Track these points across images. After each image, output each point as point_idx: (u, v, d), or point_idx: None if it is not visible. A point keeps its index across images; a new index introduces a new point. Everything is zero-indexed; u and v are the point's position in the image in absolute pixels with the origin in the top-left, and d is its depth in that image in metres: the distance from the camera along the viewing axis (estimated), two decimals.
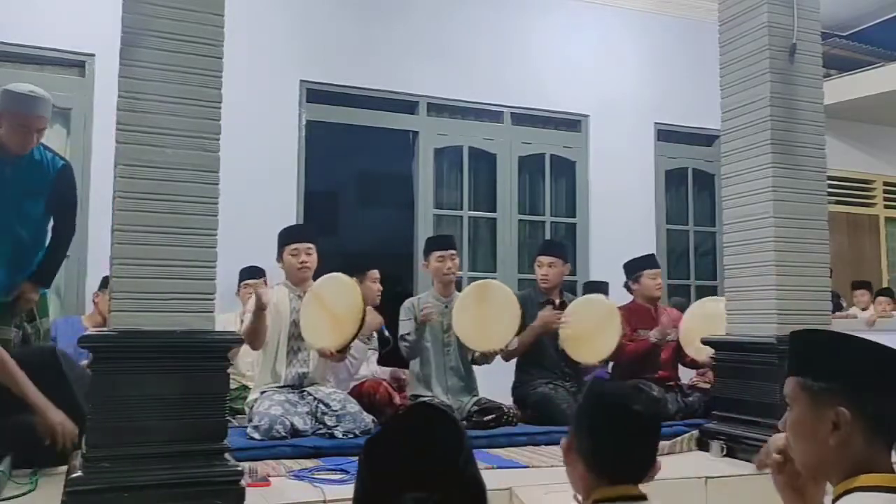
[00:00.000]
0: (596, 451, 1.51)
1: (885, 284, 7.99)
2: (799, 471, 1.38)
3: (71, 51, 5.20)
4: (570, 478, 1.56)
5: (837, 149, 6.80)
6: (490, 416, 4.07)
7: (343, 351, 3.91)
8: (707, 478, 3.27)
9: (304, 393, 3.89)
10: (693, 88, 6.36)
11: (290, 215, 5.48)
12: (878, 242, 8.47)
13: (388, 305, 4.81)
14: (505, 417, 4.08)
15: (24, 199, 3.40)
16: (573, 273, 6.00)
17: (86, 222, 4.88)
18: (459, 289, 4.56)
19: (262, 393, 3.86)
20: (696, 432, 3.89)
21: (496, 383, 4.52)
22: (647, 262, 4.97)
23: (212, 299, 2.76)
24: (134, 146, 2.70)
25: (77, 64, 5.26)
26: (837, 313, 6.35)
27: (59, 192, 3.49)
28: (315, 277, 4.08)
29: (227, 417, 2.84)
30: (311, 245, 4.04)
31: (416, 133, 6.24)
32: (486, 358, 4.31)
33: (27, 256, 3.45)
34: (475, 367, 4.41)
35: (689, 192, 7.12)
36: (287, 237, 4.07)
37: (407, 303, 4.37)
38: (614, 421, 1.52)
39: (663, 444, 3.74)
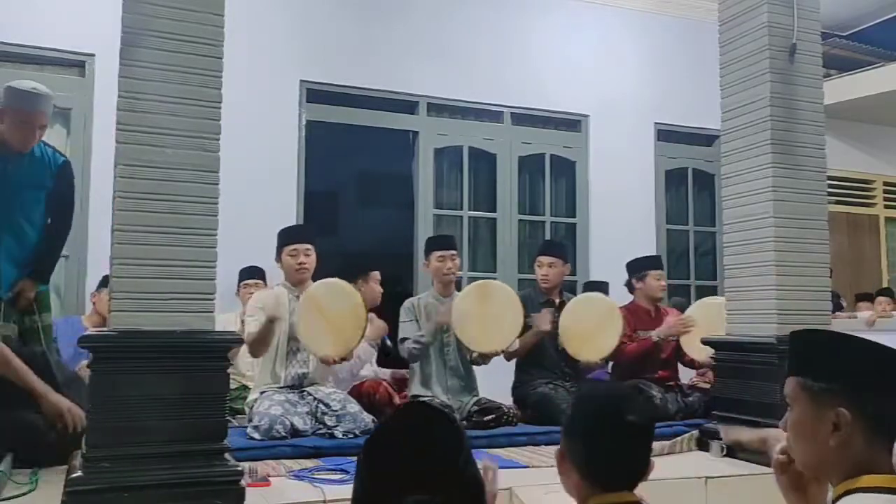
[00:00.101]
0: (589, 459, 1.50)
1: (885, 284, 7.98)
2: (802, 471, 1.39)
3: (71, 51, 5.20)
4: (566, 486, 1.55)
5: (837, 149, 6.80)
6: (490, 416, 4.06)
7: (346, 358, 3.92)
8: (707, 478, 3.27)
9: (304, 393, 3.89)
10: (693, 88, 6.36)
11: (290, 215, 5.48)
12: (878, 242, 8.46)
13: (388, 305, 4.81)
14: (505, 417, 4.08)
15: (28, 195, 3.43)
16: (573, 273, 6.00)
17: (86, 222, 4.88)
18: (459, 289, 4.56)
19: (262, 393, 3.86)
20: (696, 432, 3.89)
21: (496, 383, 4.52)
22: (654, 262, 4.99)
23: (212, 299, 2.76)
24: (134, 146, 2.70)
25: (77, 64, 5.26)
26: (838, 313, 6.35)
27: (60, 189, 3.53)
28: (315, 278, 4.08)
29: (227, 417, 2.84)
30: (309, 246, 4.04)
31: (416, 133, 6.24)
32: (484, 359, 4.30)
33: (30, 253, 3.46)
34: (475, 367, 4.41)
35: (689, 192, 7.12)
36: (285, 238, 4.07)
37: (407, 303, 4.37)
38: (606, 430, 1.50)
39: (663, 444, 3.74)
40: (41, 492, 2.76)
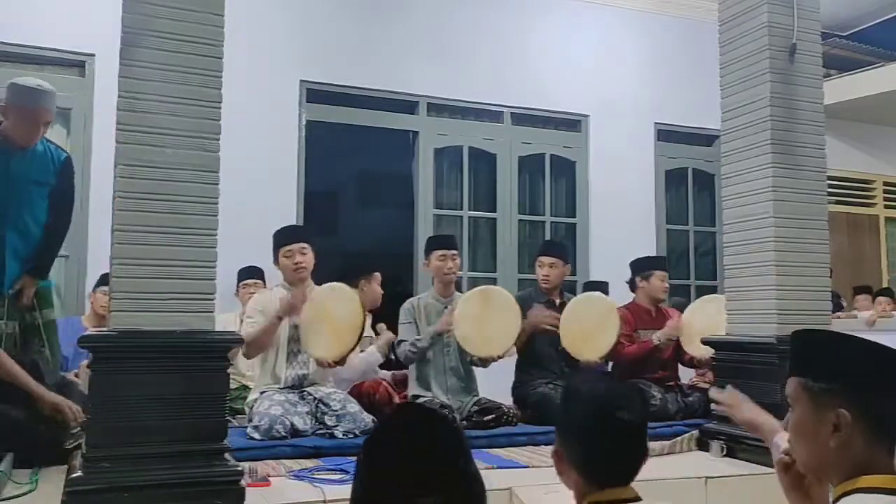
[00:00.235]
0: (587, 459, 1.49)
1: (885, 284, 7.98)
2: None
3: (71, 51, 5.20)
4: (566, 485, 1.55)
5: (837, 149, 6.79)
6: (490, 416, 4.06)
7: (340, 361, 3.92)
8: (707, 478, 3.27)
9: (304, 393, 3.89)
10: (693, 88, 6.36)
11: (290, 215, 5.47)
12: (878, 242, 8.46)
13: (388, 306, 4.82)
14: (505, 417, 4.08)
15: (32, 191, 3.45)
16: (573, 273, 6.00)
17: (86, 222, 4.88)
18: (460, 289, 4.55)
19: (262, 393, 3.86)
20: (696, 432, 3.89)
21: (496, 383, 4.52)
22: (659, 263, 5.01)
23: (212, 299, 2.76)
24: (134, 146, 2.70)
25: (77, 64, 5.26)
26: (838, 313, 6.35)
27: (62, 184, 3.55)
28: (315, 277, 4.08)
29: (227, 417, 2.84)
30: (304, 245, 4.03)
31: (416, 133, 6.24)
32: (483, 362, 4.30)
33: (34, 249, 3.48)
34: (475, 368, 4.40)
35: (689, 192, 7.11)
36: (279, 240, 4.05)
37: (407, 304, 4.36)
38: (604, 430, 1.49)
39: (663, 444, 3.75)
40: (41, 492, 2.76)
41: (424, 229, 6.03)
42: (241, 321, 4.22)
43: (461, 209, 6.33)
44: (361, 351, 4.47)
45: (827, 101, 3.98)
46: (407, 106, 6.21)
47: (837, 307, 6.47)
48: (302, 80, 5.79)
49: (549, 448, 1.64)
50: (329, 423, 3.74)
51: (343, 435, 3.66)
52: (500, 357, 4.25)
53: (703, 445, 3.83)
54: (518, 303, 4.31)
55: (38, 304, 3.50)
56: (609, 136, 6.66)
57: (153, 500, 2.53)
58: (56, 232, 3.59)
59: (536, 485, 2.95)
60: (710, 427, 3.85)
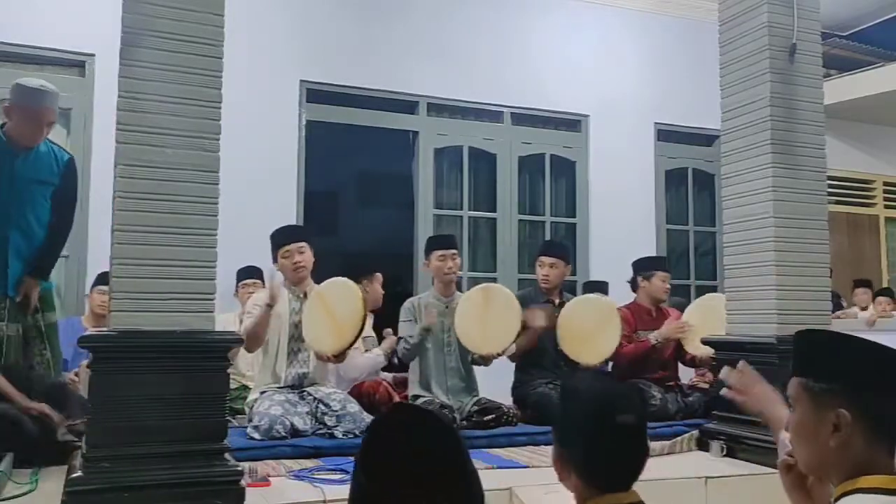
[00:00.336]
0: (588, 463, 1.48)
1: (885, 284, 7.99)
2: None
3: (71, 51, 5.20)
4: (568, 489, 1.54)
5: (837, 149, 6.79)
6: (490, 416, 4.06)
7: (340, 356, 3.91)
8: (707, 478, 3.27)
9: (304, 393, 3.89)
10: (693, 88, 6.36)
11: (290, 215, 5.47)
12: (878, 242, 8.46)
13: (389, 305, 4.82)
14: (505, 417, 4.08)
15: (35, 192, 3.46)
16: (573, 273, 6.00)
17: (86, 222, 4.88)
18: (460, 289, 4.55)
19: (262, 393, 3.86)
20: (696, 432, 3.89)
21: (496, 383, 4.52)
22: (661, 264, 5.01)
23: (212, 299, 2.76)
24: (134, 146, 2.70)
25: (77, 64, 5.26)
26: (838, 312, 6.35)
27: (65, 185, 3.56)
28: (314, 276, 4.08)
29: (227, 417, 2.84)
30: (302, 244, 4.02)
31: (416, 133, 6.24)
32: (484, 360, 4.30)
33: (37, 250, 3.48)
34: (475, 368, 4.41)
35: (689, 192, 7.12)
36: (277, 240, 4.05)
37: (407, 303, 4.37)
38: (604, 433, 1.47)
39: (663, 444, 3.75)
40: (41, 492, 2.76)
41: (424, 229, 6.03)
42: (241, 321, 4.22)
43: (461, 209, 6.33)
44: (366, 350, 4.48)
45: (827, 101, 3.98)
46: (407, 106, 6.21)
47: (837, 307, 6.48)
48: (302, 80, 5.79)
49: (549, 448, 1.63)
50: (329, 423, 3.73)
51: (343, 435, 3.66)
52: (500, 355, 4.26)
53: (703, 445, 3.82)
54: (519, 307, 4.31)
55: (40, 306, 3.51)
56: (609, 136, 6.66)
57: (153, 500, 2.53)
58: (59, 232, 3.60)
59: (536, 485, 2.94)
60: (710, 427, 3.85)
